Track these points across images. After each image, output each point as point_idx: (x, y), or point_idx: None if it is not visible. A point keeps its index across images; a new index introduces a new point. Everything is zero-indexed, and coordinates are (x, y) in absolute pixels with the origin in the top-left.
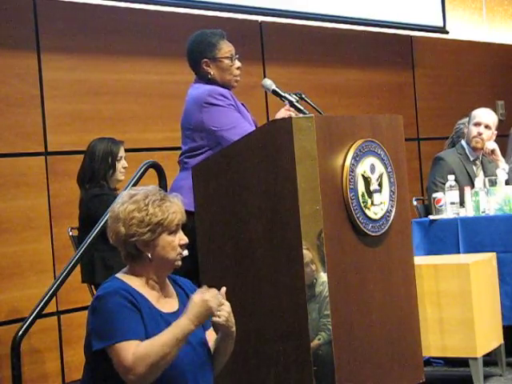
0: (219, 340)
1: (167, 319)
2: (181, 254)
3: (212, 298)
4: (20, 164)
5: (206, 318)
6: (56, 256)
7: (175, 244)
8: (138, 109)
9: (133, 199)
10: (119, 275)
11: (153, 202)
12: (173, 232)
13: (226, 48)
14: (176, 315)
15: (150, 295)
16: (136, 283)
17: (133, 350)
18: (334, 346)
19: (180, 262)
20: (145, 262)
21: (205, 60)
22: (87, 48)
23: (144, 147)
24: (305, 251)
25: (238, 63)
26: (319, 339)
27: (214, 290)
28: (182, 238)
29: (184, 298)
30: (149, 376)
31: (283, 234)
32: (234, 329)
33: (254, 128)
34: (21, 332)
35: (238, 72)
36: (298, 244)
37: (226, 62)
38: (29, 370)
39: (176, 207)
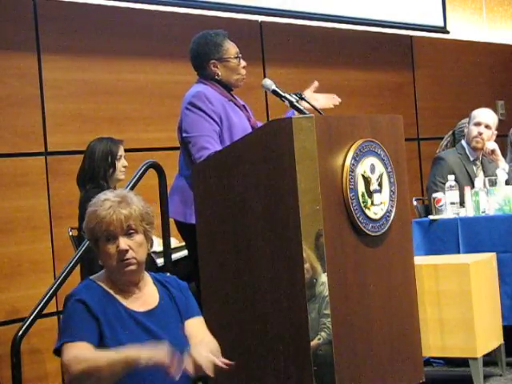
0: None
1: (137, 318)
2: (124, 260)
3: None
4: (20, 164)
5: (156, 361)
6: (56, 256)
7: (111, 252)
8: (138, 109)
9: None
10: (93, 276)
11: (95, 206)
12: (109, 239)
13: (232, 48)
14: (150, 314)
15: (121, 295)
16: (107, 284)
17: (75, 352)
18: (334, 346)
19: (131, 267)
20: None
21: (213, 61)
22: (87, 48)
23: (144, 147)
24: (305, 251)
25: (243, 62)
26: (319, 339)
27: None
28: (119, 244)
29: (165, 296)
30: (82, 381)
31: (283, 233)
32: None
33: (212, 146)
34: (21, 332)
35: (244, 71)
36: (298, 244)
37: (234, 61)
38: (29, 370)
39: (119, 213)
